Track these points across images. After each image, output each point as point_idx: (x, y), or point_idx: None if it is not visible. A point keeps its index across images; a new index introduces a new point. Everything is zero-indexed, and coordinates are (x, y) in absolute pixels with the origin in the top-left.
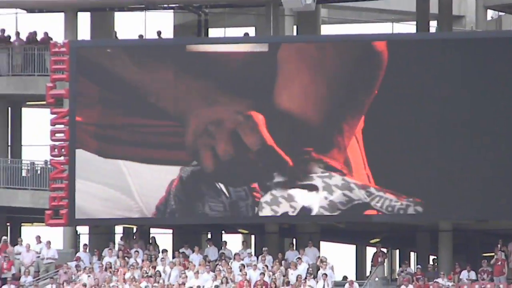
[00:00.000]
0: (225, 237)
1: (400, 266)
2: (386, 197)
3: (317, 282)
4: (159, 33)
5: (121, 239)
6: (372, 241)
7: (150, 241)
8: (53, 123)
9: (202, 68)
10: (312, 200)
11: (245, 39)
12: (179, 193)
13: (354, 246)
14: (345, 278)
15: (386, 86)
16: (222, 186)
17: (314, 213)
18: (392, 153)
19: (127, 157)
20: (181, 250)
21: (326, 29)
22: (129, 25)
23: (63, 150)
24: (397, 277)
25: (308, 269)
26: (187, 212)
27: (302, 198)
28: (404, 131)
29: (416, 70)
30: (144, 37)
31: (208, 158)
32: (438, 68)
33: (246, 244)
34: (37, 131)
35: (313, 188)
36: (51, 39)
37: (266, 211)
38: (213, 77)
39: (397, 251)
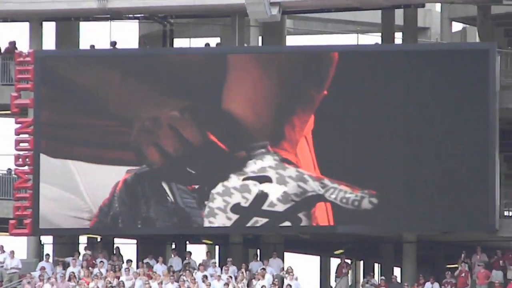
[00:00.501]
0: (189, 247)
1: (364, 277)
2: (340, 188)
3: None
4: (113, 43)
5: (85, 249)
6: (336, 252)
7: (114, 251)
8: (17, 133)
9: (151, 69)
10: (265, 191)
11: (198, 50)
12: (123, 195)
13: (318, 257)
14: None
15: (337, 89)
16: (166, 187)
17: (267, 204)
18: (343, 159)
19: (76, 156)
20: (145, 260)
21: (292, 40)
22: (94, 35)
23: (27, 159)
24: None
25: (274, 280)
26: (130, 216)
27: (254, 189)
28: (362, 142)
29: (381, 79)
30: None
31: (155, 154)
32: (400, 78)
33: (210, 254)
34: (2, 140)
35: (266, 179)
36: (16, 48)
37: (218, 202)
38: (161, 77)
39: (361, 262)
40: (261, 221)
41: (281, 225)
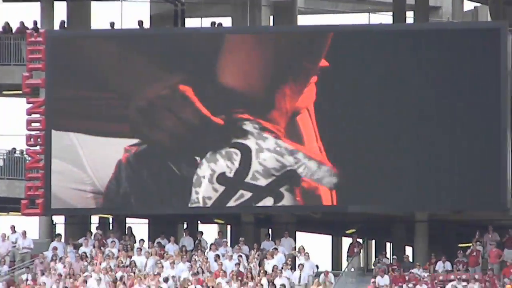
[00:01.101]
0: (201, 227)
1: (376, 257)
2: (309, 164)
3: (293, 272)
4: (111, 24)
5: (97, 229)
6: (348, 232)
7: (126, 231)
8: (29, 113)
9: (149, 44)
10: (246, 161)
11: (193, 30)
12: (130, 174)
13: (330, 237)
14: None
15: (340, 63)
16: (172, 165)
17: (249, 176)
18: (347, 131)
19: (78, 129)
20: (157, 240)
21: (303, 20)
22: (105, 15)
23: (39, 139)
24: (373, 267)
25: (287, 260)
26: (143, 195)
27: (237, 158)
28: (367, 118)
29: (392, 60)
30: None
31: (154, 130)
32: (410, 57)
33: (222, 234)
34: (13, 121)
35: (246, 149)
36: (28, 28)
37: (204, 169)
38: (156, 53)
39: (373, 241)
40: (247, 194)
41: (264, 200)
